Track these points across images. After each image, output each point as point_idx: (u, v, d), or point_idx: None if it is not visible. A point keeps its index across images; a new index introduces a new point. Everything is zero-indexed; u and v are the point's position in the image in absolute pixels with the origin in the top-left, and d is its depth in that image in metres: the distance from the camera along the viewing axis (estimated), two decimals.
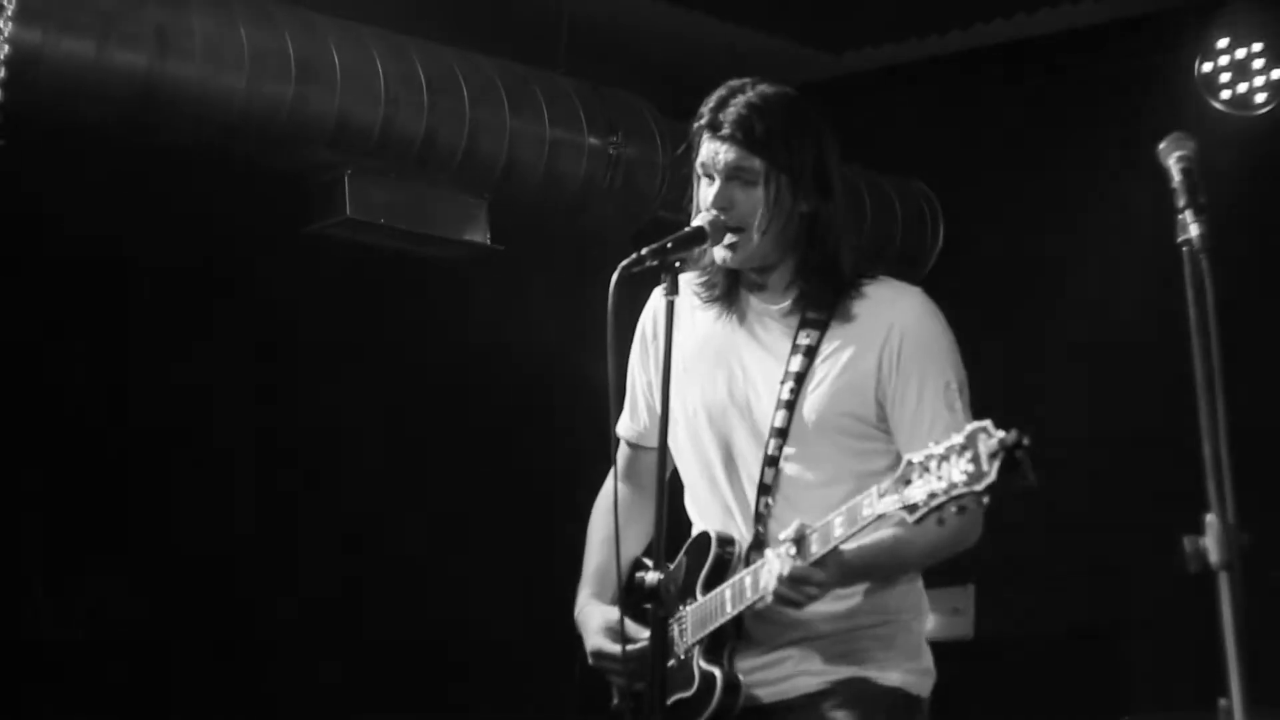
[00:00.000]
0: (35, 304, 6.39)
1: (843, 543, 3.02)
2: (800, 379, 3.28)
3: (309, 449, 6.64)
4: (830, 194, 3.31)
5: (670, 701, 3.23)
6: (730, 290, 3.39)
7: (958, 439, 2.74)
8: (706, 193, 3.29)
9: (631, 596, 3.27)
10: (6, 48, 4.64)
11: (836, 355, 3.28)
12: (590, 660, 3.44)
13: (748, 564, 3.21)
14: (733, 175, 3.27)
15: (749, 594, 3.16)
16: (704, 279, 3.41)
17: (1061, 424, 5.58)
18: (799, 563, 3.05)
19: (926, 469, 2.79)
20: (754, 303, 3.38)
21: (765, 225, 3.26)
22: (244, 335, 6.63)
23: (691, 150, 3.34)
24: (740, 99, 3.28)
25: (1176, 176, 2.54)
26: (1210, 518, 2.32)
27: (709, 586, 3.26)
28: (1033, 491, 2.65)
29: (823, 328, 3.30)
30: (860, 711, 3.25)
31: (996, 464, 2.67)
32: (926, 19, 6.40)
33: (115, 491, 6.69)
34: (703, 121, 3.31)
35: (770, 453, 3.27)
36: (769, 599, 3.11)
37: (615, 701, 3.42)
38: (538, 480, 6.53)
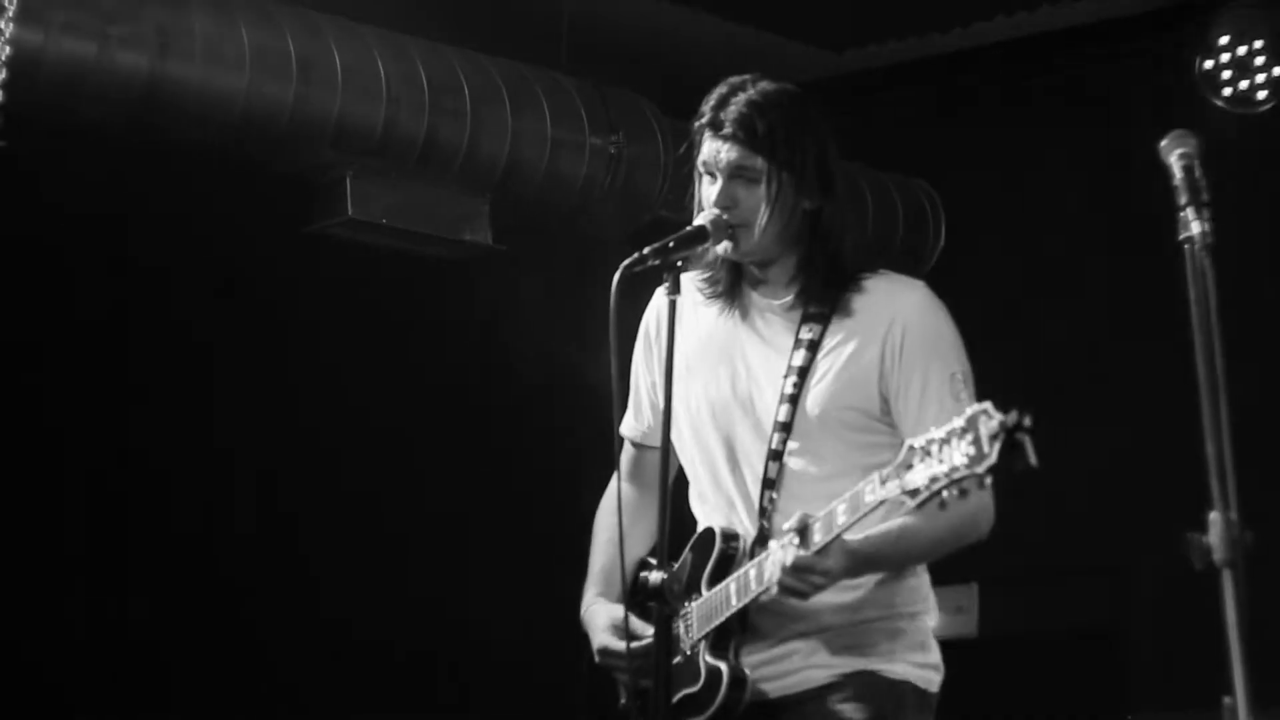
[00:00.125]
0: (36, 303, 6.40)
1: (847, 530, 3.02)
2: (803, 373, 3.27)
3: (309, 449, 6.65)
4: (832, 190, 3.31)
5: (676, 697, 3.22)
6: (733, 286, 3.39)
7: (959, 422, 2.73)
8: (708, 191, 3.29)
9: (637, 595, 3.27)
10: (8, 48, 4.63)
11: (839, 349, 3.28)
12: (597, 659, 3.43)
13: (752, 558, 3.21)
14: (735, 174, 3.26)
15: (754, 586, 3.16)
16: (706, 275, 3.40)
17: (1062, 422, 5.57)
18: (802, 552, 3.04)
19: (928, 453, 2.78)
20: (756, 298, 3.38)
21: (768, 223, 3.26)
22: (245, 335, 6.64)
23: (693, 149, 3.33)
24: (741, 97, 3.27)
25: (1178, 174, 2.53)
26: (1214, 515, 2.31)
27: (714, 582, 3.26)
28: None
29: (825, 322, 3.30)
30: (869, 705, 3.23)
31: (998, 445, 2.65)
32: (928, 17, 6.39)
33: (115, 491, 6.70)
34: (704, 120, 3.30)
35: (774, 447, 3.26)
36: (774, 590, 3.10)
37: (623, 701, 3.42)
38: (538, 480, 6.53)
